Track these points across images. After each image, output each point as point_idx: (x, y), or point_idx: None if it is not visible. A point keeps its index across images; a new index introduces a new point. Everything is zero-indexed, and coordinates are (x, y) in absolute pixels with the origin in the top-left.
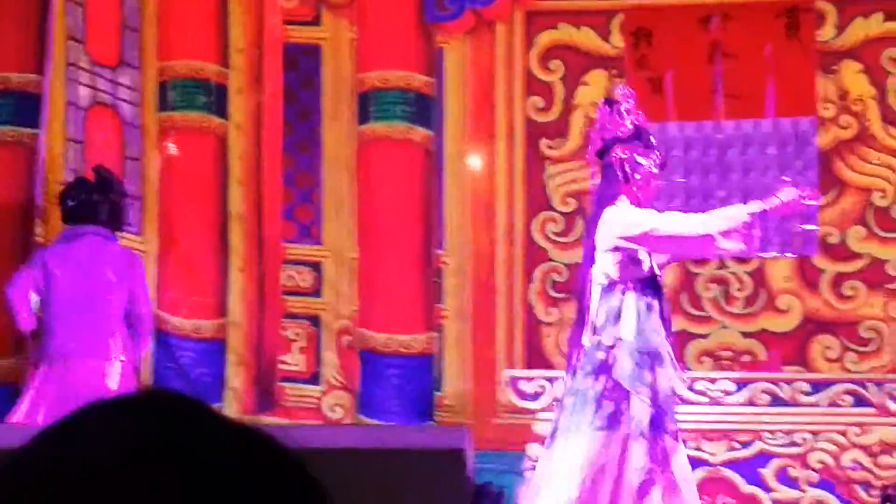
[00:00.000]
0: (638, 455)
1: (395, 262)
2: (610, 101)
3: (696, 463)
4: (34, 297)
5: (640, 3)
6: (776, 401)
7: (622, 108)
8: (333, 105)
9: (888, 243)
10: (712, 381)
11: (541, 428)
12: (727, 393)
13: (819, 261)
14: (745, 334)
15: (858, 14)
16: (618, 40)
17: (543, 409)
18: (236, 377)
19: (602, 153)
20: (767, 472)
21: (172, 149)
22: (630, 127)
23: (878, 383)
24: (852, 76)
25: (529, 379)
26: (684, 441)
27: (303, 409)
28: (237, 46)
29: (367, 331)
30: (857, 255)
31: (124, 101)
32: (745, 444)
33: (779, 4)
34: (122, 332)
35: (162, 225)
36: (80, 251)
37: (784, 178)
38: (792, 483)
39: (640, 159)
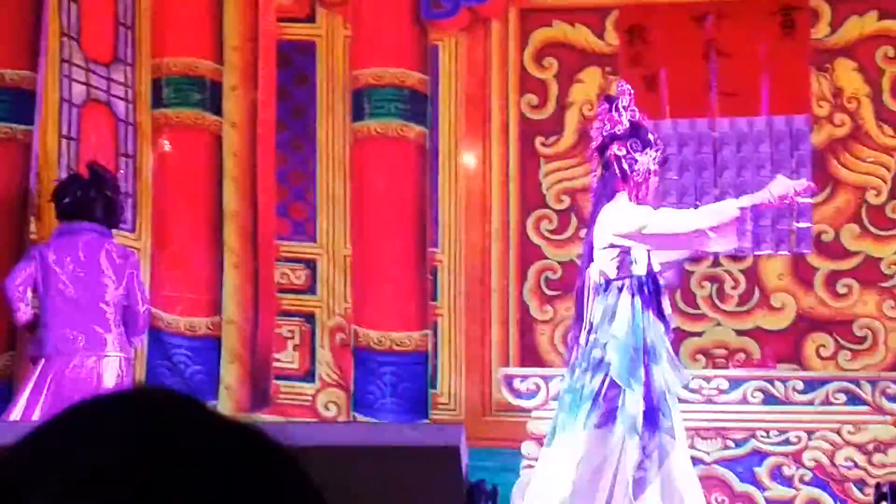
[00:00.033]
0: (632, 452)
1: (389, 259)
2: (609, 98)
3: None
4: (30, 292)
5: (634, 1)
6: (770, 399)
7: (619, 105)
8: (328, 102)
9: (882, 241)
10: (706, 378)
11: (535, 426)
12: (721, 391)
13: (813, 259)
14: (739, 332)
15: (852, 12)
16: (612, 38)
17: (538, 407)
18: (230, 374)
19: (602, 150)
20: (761, 471)
21: (166, 146)
22: (627, 123)
23: (872, 381)
24: (846, 74)
25: (524, 377)
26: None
27: (297, 406)
28: (231, 43)
29: (362, 328)
30: (851, 253)
31: (118, 98)
32: (738, 443)
33: (773, 2)
34: (119, 328)
35: (156, 222)
36: (76, 248)
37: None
38: (786, 481)
39: (637, 156)
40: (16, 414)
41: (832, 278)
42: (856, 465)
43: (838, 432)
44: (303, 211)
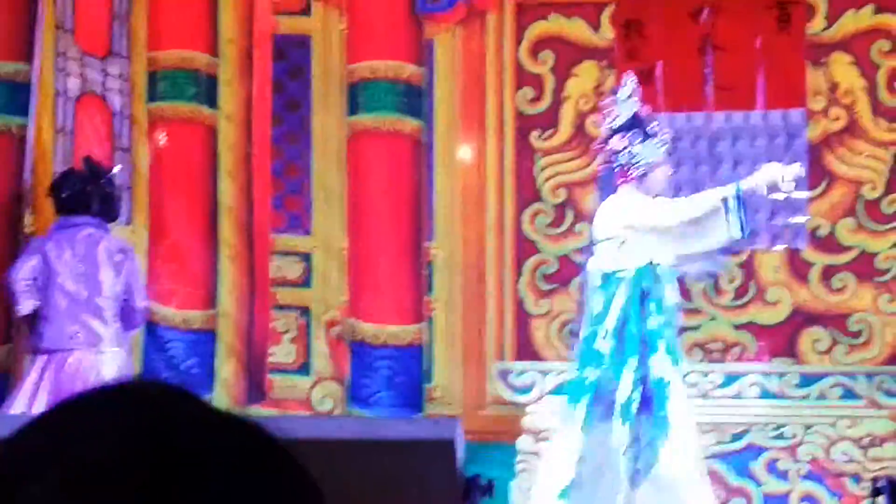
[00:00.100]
0: (625, 441)
1: (384, 253)
2: (615, 91)
3: None
4: (32, 285)
5: None
6: (765, 393)
7: (619, 98)
8: (323, 96)
9: (878, 236)
10: (703, 373)
11: (530, 420)
12: (717, 385)
13: (809, 253)
14: (735, 326)
15: (849, 6)
16: (608, 32)
17: (533, 402)
18: (226, 368)
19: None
20: (757, 465)
21: (162, 139)
22: (627, 115)
23: (868, 376)
24: (842, 68)
25: (519, 371)
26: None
27: (292, 400)
28: (227, 37)
29: (357, 322)
30: (846, 248)
31: (114, 91)
32: (734, 437)
33: None
34: (117, 323)
35: (151, 215)
36: (76, 242)
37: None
38: (782, 475)
39: (637, 148)
40: (15, 409)
41: (828, 273)
42: (851, 460)
43: (834, 426)
44: (298, 204)
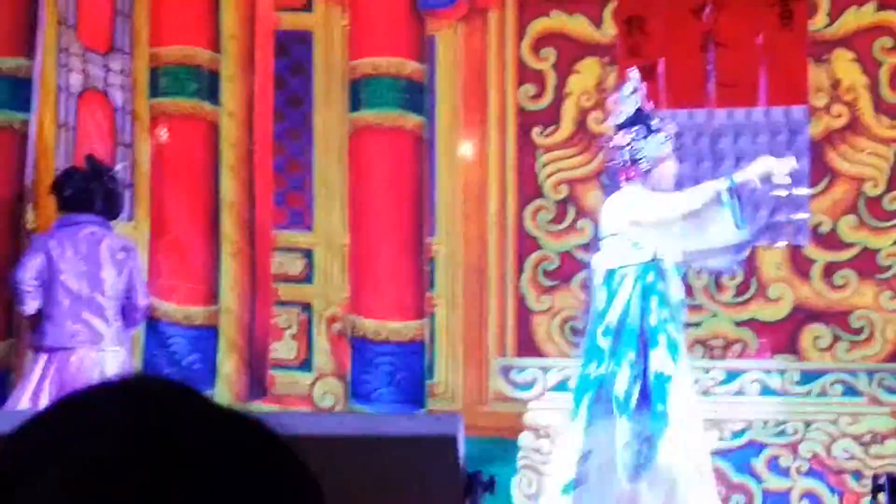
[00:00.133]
0: (624, 435)
1: (386, 249)
2: (621, 87)
3: None
4: (38, 286)
5: None
6: (767, 390)
7: (622, 94)
8: (325, 92)
9: (879, 233)
10: (704, 370)
11: (532, 416)
12: (718, 382)
13: (810, 250)
14: (737, 323)
15: (851, 3)
16: (610, 28)
17: (535, 398)
18: (227, 364)
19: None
20: (758, 462)
21: (164, 135)
22: (630, 111)
23: (870, 373)
24: (844, 65)
25: (521, 368)
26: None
27: (293, 396)
28: (229, 33)
29: (358, 318)
30: (848, 245)
31: (116, 86)
32: (735, 434)
33: None
34: (118, 322)
35: (153, 211)
36: (78, 241)
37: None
38: (783, 472)
39: (641, 143)
40: (18, 407)
41: (830, 270)
42: (852, 457)
43: (835, 423)
44: (300, 200)
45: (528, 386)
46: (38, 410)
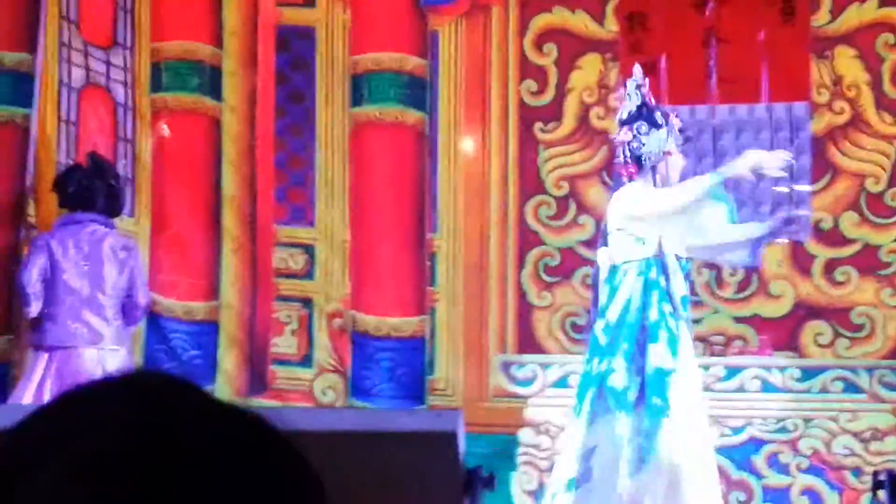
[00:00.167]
0: (623, 430)
1: (387, 245)
2: (625, 83)
3: None
4: (41, 284)
5: None
6: (767, 386)
7: (626, 90)
8: (327, 88)
9: (881, 229)
10: (704, 366)
11: (532, 412)
12: (718, 378)
13: (812, 246)
14: (737, 319)
15: (853, 0)
16: (612, 24)
17: (535, 394)
18: (228, 359)
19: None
20: (758, 458)
21: (165, 130)
22: (633, 107)
23: (870, 369)
24: (847, 62)
25: (521, 364)
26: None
27: (294, 391)
28: (231, 28)
29: (359, 314)
30: (849, 241)
31: (117, 82)
32: (735, 430)
33: None
34: (119, 321)
35: (154, 207)
36: (80, 239)
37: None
38: (783, 469)
39: (644, 139)
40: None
41: (831, 266)
42: (853, 453)
43: (835, 420)
44: (301, 196)
45: (529, 382)
46: (41, 405)
